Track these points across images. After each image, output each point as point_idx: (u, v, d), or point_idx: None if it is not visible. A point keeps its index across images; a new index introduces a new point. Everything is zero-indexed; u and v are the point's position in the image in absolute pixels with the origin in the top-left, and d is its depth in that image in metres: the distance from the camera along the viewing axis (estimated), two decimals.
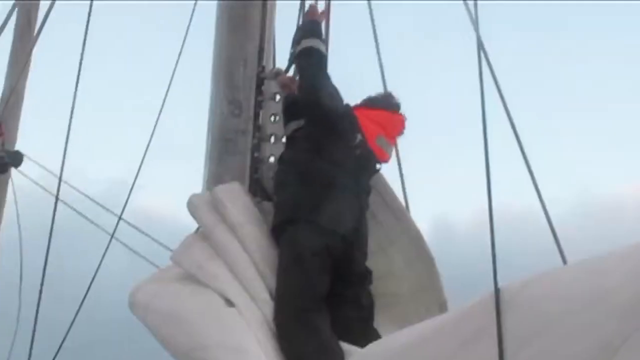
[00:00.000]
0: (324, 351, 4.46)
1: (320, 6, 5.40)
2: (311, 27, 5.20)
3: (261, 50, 5.37)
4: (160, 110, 7.36)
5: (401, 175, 5.92)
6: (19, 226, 8.89)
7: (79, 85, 6.26)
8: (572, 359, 2.70)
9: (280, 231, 4.81)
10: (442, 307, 5.21)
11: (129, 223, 8.05)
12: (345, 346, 4.52)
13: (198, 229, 4.96)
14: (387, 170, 5.44)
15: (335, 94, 5.08)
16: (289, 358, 4.42)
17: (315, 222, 4.72)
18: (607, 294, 2.75)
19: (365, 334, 4.72)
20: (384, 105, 5.24)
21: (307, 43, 5.09)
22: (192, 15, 7.25)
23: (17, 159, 8.96)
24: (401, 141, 5.56)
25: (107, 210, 8.55)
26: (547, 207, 4.64)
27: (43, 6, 8.28)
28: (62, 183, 6.75)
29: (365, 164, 5.10)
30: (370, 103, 5.26)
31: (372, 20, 6.50)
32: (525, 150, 4.81)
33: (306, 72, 5.12)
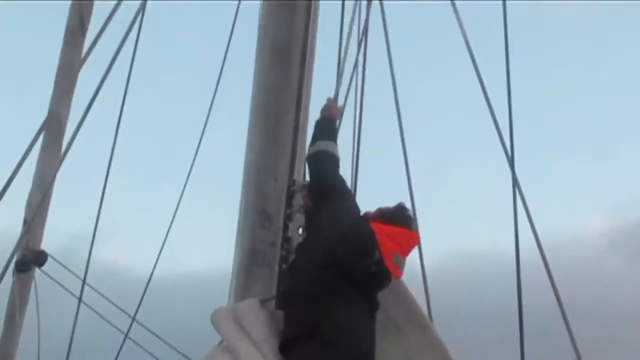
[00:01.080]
0: None
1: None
2: (326, 127, 5.23)
3: (292, 163, 5.47)
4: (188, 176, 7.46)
5: (425, 285, 5.92)
6: (39, 330, 8.84)
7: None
8: None
9: (292, 347, 4.75)
10: None
11: (142, 325, 8.06)
12: None
13: (221, 342, 4.96)
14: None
15: (347, 195, 5.08)
16: None
17: (330, 342, 4.65)
18: None
19: None
20: (400, 222, 5.13)
21: (320, 147, 5.12)
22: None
23: (41, 258, 8.92)
24: None
25: (122, 311, 8.53)
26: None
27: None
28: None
29: (379, 281, 5.02)
30: (386, 218, 5.13)
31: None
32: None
33: (314, 175, 5.12)
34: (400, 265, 5.07)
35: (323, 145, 5.15)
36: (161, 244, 7.96)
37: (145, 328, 8.27)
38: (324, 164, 5.12)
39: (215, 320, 4.91)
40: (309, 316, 4.74)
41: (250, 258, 5.28)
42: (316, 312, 4.73)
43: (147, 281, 7.88)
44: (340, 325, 4.70)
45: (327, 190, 5.04)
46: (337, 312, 4.73)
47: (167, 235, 7.69)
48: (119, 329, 8.24)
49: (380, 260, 4.92)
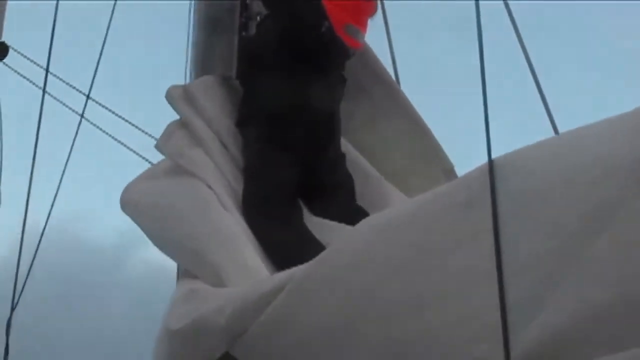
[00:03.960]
0: (299, 244, 4.41)
1: None
2: None
3: None
4: None
5: (390, 46, 5.82)
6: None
7: None
8: (568, 225, 2.61)
9: (243, 125, 4.78)
10: (448, 175, 5.12)
11: (100, 104, 7.88)
12: (332, 224, 4.55)
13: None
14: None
15: None
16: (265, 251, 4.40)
17: (280, 115, 4.69)
18: (606, 158, 2.64)
19: (350, 215, 4.63)
20: None
21: None
22: None
23: (1, 50, 8.68)
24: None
25: (78, 90, 8.30)
26: None
27: None
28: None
29: (336, 53, 4.91)
30: None
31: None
32: None
33: None
34: (354, 35, 4.95)
35: None
36: None
37: (105, 107, 8.09)
38: None
39: (170, 100, 4.88)
40: (260, 95, 4.75)
41: (207, 26, 5.14)
42: (268, 90, 4.73)
43: None
44: (293, 100, 4.69)
45: None
46: (292, 89, 4.70)
47: None
48: (74, 110, 8.05)
49: (331, 31, 4.79)
